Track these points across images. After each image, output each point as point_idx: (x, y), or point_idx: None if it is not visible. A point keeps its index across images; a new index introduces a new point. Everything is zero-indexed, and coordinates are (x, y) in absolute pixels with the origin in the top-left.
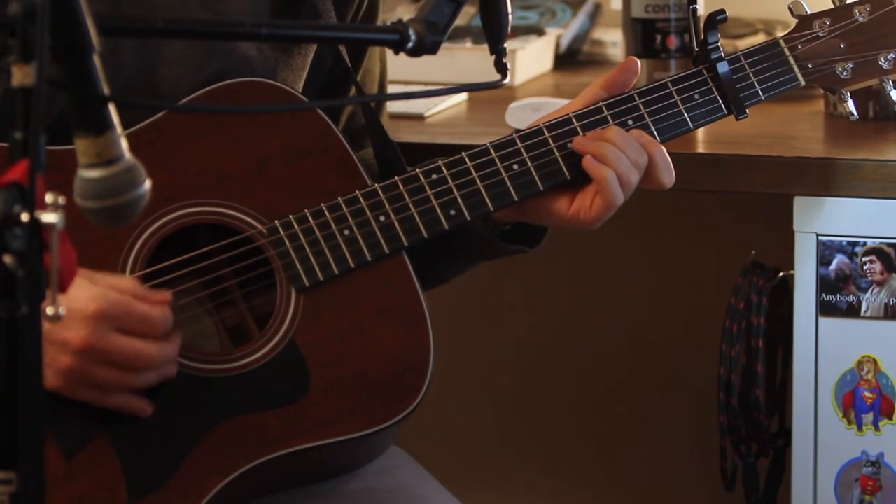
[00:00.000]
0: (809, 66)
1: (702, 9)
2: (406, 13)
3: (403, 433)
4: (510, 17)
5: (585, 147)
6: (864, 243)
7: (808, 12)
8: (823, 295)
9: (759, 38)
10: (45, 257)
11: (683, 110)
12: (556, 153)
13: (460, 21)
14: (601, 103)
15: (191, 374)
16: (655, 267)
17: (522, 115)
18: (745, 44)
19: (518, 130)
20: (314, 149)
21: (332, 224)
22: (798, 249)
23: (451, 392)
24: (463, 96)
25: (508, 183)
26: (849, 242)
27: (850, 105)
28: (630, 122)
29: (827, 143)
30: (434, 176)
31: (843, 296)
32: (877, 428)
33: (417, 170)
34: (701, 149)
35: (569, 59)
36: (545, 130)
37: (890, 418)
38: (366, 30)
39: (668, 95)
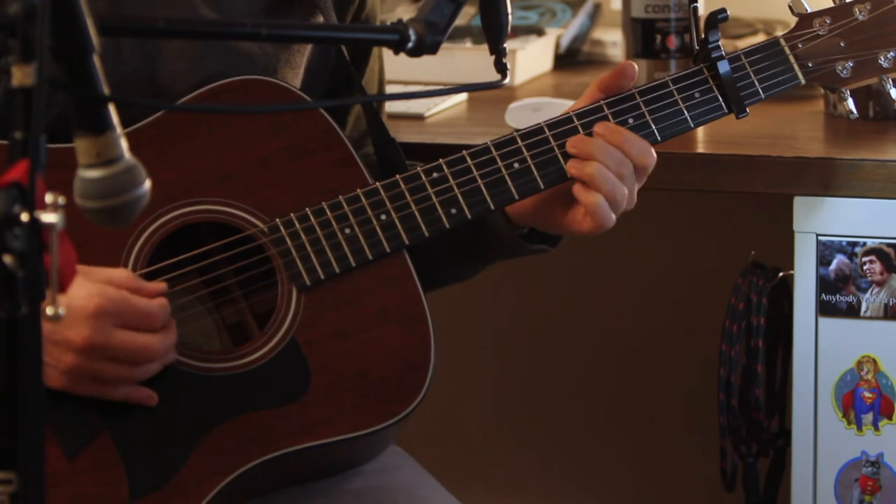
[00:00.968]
0: (809, 64)
1: (702, 8)
2: (406, 13)
3: (403, 433)
4: (510, 17)
5: (575, 172)
6: (864, 243)
7: (809, 11)
8: (823, 295)
9: (759, 38)
10: (44, 257)
11: (684, 109)
12: (557, 151)
13: (460, 21)
14: (602, 102)
15: (191, 373)
16: (655, 267)
17: (522, 115)
18: (745, 44)
19: (518, 129)
20: (316, 147)
21: (334, 222)
22: (798, 249)
23: (452, 391)
24: (463, 96)
25: (509, 181)
26: (849, 242)
27: (850, 104)
28: (631, 120)
29: (827, 143)
30: (435, 174)
31: (843, 296)
32: (876, 428)
33: (419, 168)
34: (701, 149)
35: (569, 59)
36: (546, 129)
37: (890, 418)
38: (366, 30)
39: (669, 94)
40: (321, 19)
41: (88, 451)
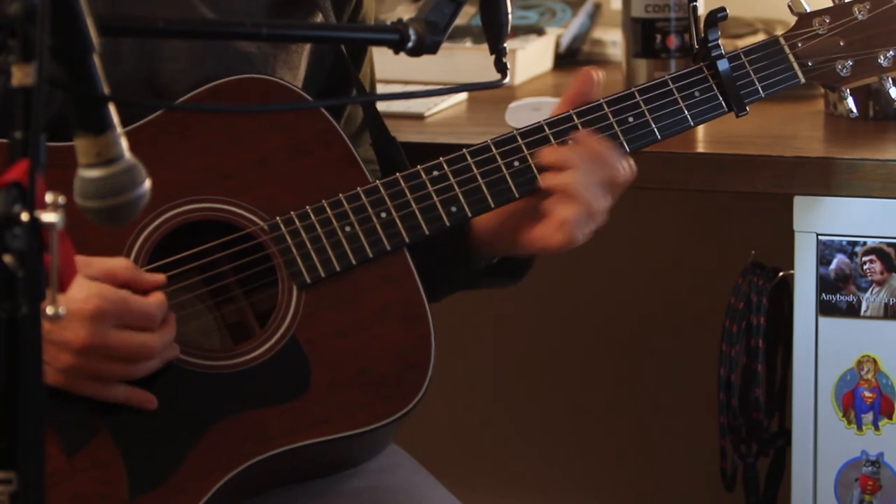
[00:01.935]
0: (809, 63)
1: (702, 8)
2: (406, 13)
3: (404, 433)
4: (510, 16)
5: (550, 182)
6: (864, 243)
7: (808, 10)
8: (823, 295)
9: (759, 38)
10: (44, 257)
11: (684, 107)
12: None
13: (460, 21)
14: (602, 100)
15: (192, 371)
16: (655, 267)
17: (522, 114)
18: (744, 43)
19: (518, 129)
20: (316, 146)
21: (334, 220)
22: (798, 249)
23: (452, 390)
24: (463, 96)
25: (509, 180)
26: (849, 242)
27: (850, 103)
28: (630, 119)
29: (827, 143)
30: (435, 173)
31: (843, 295)
32: (877, 428)
33: (419, 167)
34: (701, 148)
35: (569, 59)
36: (546, 127)
37: (890, 418)
38: (366, 29)
39: (669, 93)
40: (320, 19)
41: (88, 449)
